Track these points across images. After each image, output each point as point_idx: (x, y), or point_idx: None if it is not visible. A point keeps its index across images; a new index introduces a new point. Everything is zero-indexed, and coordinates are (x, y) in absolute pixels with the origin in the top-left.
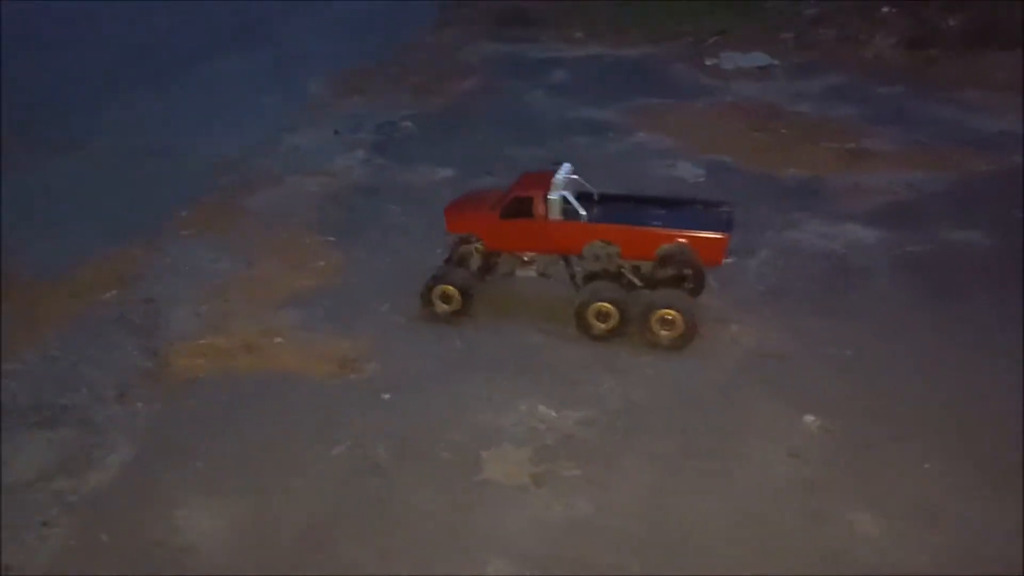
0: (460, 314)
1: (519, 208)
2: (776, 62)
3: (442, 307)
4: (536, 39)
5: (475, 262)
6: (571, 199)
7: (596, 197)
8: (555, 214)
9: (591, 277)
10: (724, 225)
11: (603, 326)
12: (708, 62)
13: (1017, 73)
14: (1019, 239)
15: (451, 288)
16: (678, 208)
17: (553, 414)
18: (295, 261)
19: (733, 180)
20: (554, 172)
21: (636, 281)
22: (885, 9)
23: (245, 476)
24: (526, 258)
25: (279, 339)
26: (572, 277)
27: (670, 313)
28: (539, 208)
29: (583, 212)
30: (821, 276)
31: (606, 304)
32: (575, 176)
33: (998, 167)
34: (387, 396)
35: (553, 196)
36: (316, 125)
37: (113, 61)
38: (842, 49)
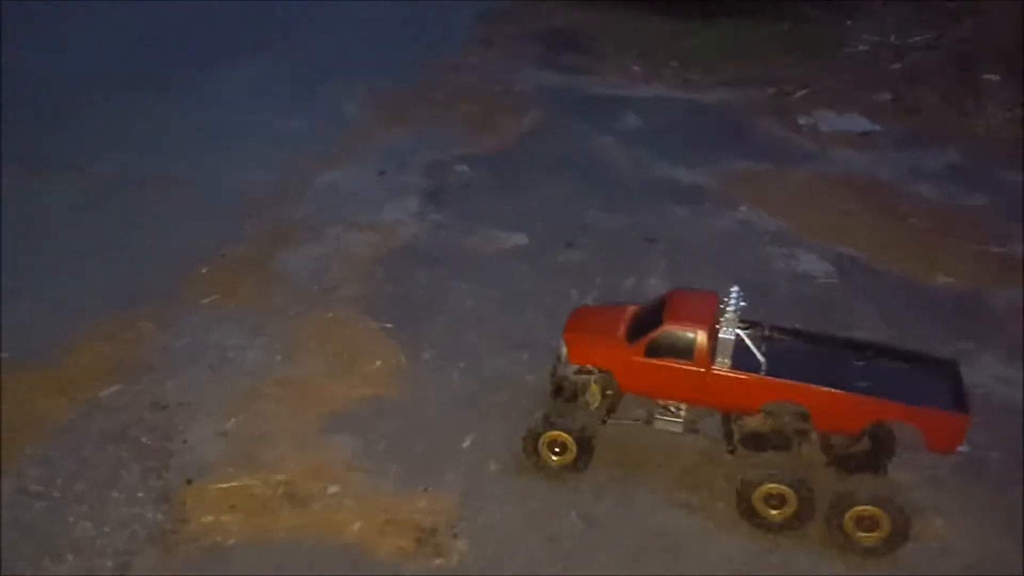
0: (574, 468)
1: (672, 345)
2: (878, 128)
3: (552, 460)
4: (593, 70)
5: (595, 400)
6: (749, 342)
7: (766, 332)
8: (724, 359)
9: (754, 439)
10: (961, 399)
11: (775, 514)
12: (801, 121)
13: None
14: None
15: (566, 436)
16: (885, 364)
17: None
18: (345, 357)
19: (871, 285)
20: (715, 295)
21: (823, 457)
22: (990, 76)
23: None
24: (673, 407)
25: (333, 487)
26: (729, 437)
27: (873, 511)
28: (702, 349)
29: (762, 359)
30: (1021, 444)
31: (783, 486)
32: (743, 303)
33: None
34: None
35: (725, 335)
36: (356, 160)
37: (108, 65)
38: (948, 118)
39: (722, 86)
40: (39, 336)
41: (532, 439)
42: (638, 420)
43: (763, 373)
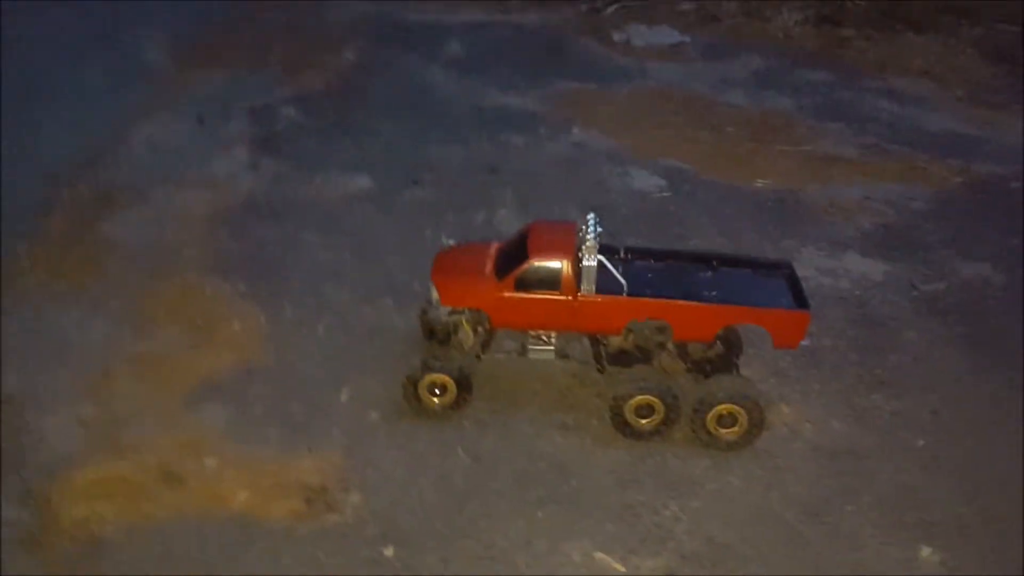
0: (456, 408)
1: (539, 278)
2: (687, 39)
3: (433, 402)
4: None
5: (468, 338)
6: (609, 266)
7: (623, 254)
8: (588, 286)
9: (620, 356)
10: (800, 298)
11: (645, 423)
12: (616, 37)
13: (937, 60)
14: None
15: (445, 378)
16: (729, 272)
17: (620, 568)
18: (200, 325)
19: (700, 194)
20: (573, 224)
21: (682, 364)
22: None
23: None
24: (544, 336)
25: (210, 460)
26: (598, 357)
27: (731, 408)
28: (568, 279)
29: (623, 282)
30: (847, 330)
31: (651, 397)
32: (600, 229)
33: (968, 179)
34: (389, 552)
35: (588, 263)
36: (171, 110)
37: None
38: (749, 25)
39: (536, 6)
40: None
41: (412, 384)
42: (511, 352)
43: (625, 295)
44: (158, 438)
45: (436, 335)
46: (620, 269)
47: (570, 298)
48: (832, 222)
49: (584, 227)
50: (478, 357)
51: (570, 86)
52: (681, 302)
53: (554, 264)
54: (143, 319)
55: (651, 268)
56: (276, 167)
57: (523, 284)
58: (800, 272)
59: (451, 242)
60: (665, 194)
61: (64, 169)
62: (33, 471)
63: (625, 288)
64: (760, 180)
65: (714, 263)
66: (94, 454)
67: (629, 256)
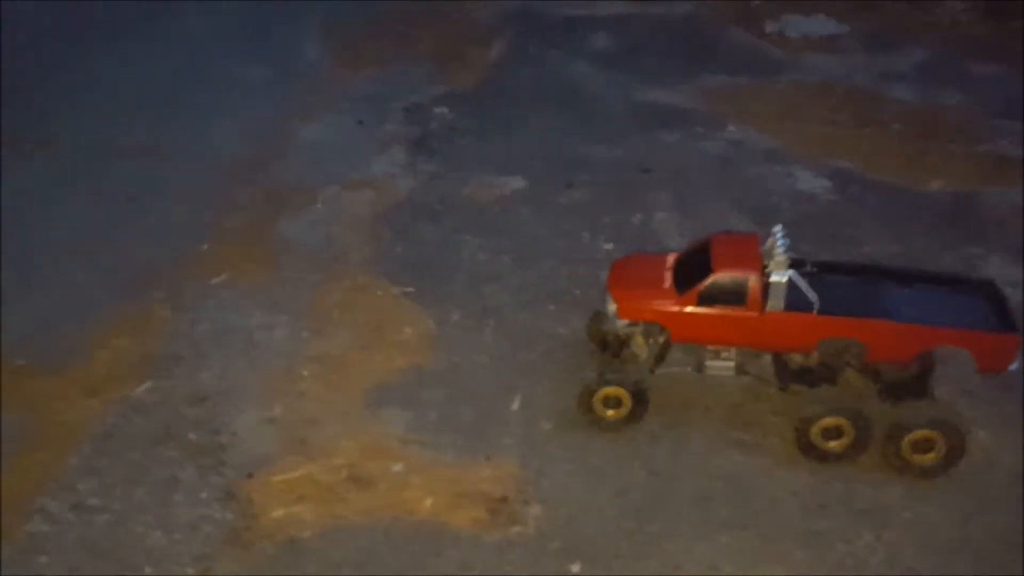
0: (630, 421)
1: (723, 293)
2: (845, 29)
3: (607, 414)
4: None
5: (641, 350)
6: (800, 282)
7: (810, 267)
8: (776, 302)
9: (803, 374)
10: (1009, 319)
11: (833, 445)
12: (769, 28)
13: None
14: None
15: (621, 391)
16: (926, 289)
17: None
18: (373, 326)
19: (870, 198)
20: (756, 236)
21: (871, 384)
22: None
23: None
24: (724, 352)
25: (396, 465)
26: (781, 375)
27: (929, 434)
28: (755, 294)
29: (815, 299)
30: None
31: (840, 419)
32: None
33: None
34: (576, 568)
35: (778, 278)
36: (331, 109)
37: (40, 20)
38: (911, 14)
39: None
40: (53, 335)
41: (587, 396)
42: (689, 368)
43: (816, 311)
44: (343, 440)
45: (609, 346)
46: (807, 283)
47: (756, 314)
48: (1015, 229)
49: (771, 239)
50: (652, 371)
51: (721, 80)
52: (879, 321)
53: (740, 278)
54: (320, 320)
55: (841, 283)
56: (432, 167)
57: (706, 299)
58: None
59: (610, 247)
60: (832, 196)
61: (236, 168)
62: (231, 470)
63: (817, 304)
64: (934, 181)
65: (910, 278)
66: (286, 455)
67: (816, 270)
